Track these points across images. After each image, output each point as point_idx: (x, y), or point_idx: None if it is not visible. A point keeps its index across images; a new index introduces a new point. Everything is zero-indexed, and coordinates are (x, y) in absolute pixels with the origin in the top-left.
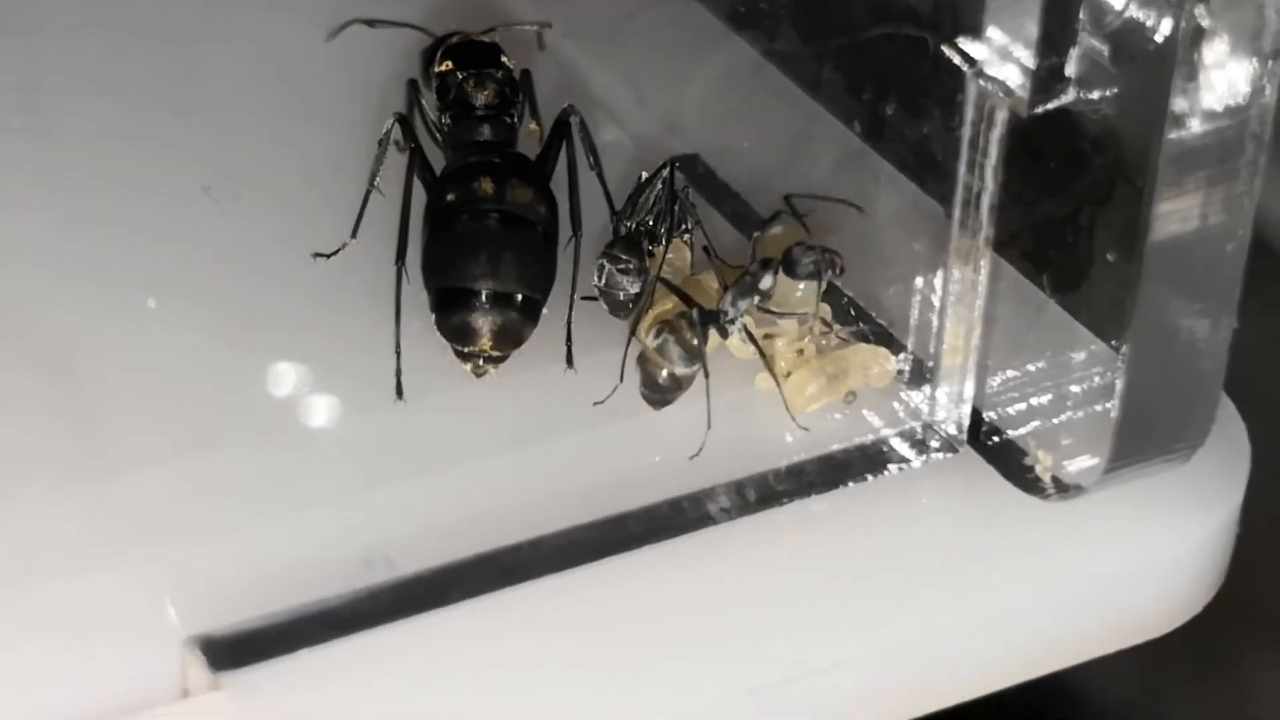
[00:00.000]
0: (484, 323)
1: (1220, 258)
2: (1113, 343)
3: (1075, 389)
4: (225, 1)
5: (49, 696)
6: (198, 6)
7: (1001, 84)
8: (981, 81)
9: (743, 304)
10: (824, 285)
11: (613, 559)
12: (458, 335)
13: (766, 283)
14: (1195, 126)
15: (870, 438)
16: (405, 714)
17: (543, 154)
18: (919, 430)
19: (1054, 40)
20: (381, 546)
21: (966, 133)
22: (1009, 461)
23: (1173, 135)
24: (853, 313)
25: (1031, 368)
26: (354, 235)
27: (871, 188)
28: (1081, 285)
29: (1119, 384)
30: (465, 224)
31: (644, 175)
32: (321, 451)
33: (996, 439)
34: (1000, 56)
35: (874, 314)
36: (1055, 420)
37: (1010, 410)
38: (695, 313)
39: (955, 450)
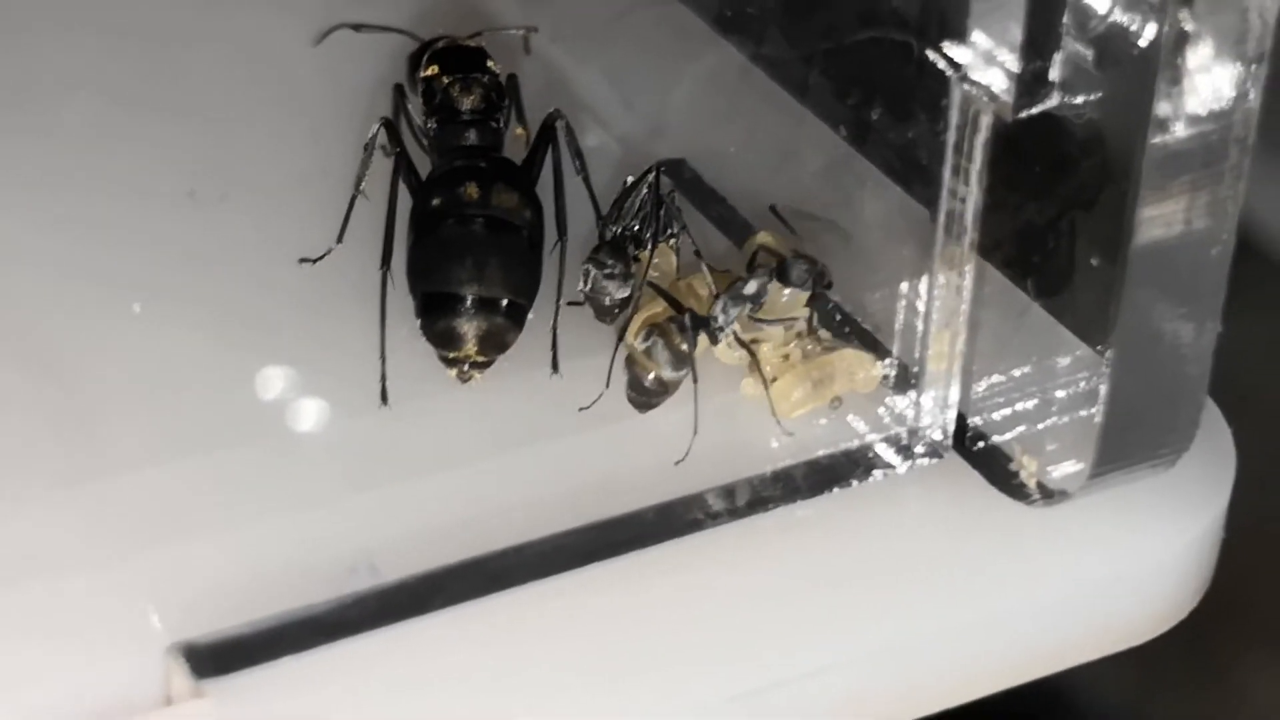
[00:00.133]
0: (469, 328)
1: (1204, 262)
2: (1097, 347)
3: (1060, 394)
4: (213, 4)
5: (29, 703)
6: (185, 9)
7: (986, 88)
8: (966, 86)
9: (734, 311)
10: (810, 293)
11: (598, 565)
12: (443, 340)
13: (759, 291)
14: (1179, 131)
15: (856, 443)
16: None
17: (528, 158)
18: (904, 436)
19: (1038, 45)
20: (366, 552)
21: (951, 137)
22: (994, 467)
23: (1157, 139)
24: (838, 318)
25: (1016, 372)
26: (340, 240)
27: (857, 192)
28: (1066, 290)
29: (1103, 389)
30: (450, 229)
31: (629, 180)
32: (306, 457)
33: (981, 444)
34: (985, 61)
35: (859, 319)
36: (1040, 425)
37: (995, 415)
38: (687, 318)
39: (940, 456)
